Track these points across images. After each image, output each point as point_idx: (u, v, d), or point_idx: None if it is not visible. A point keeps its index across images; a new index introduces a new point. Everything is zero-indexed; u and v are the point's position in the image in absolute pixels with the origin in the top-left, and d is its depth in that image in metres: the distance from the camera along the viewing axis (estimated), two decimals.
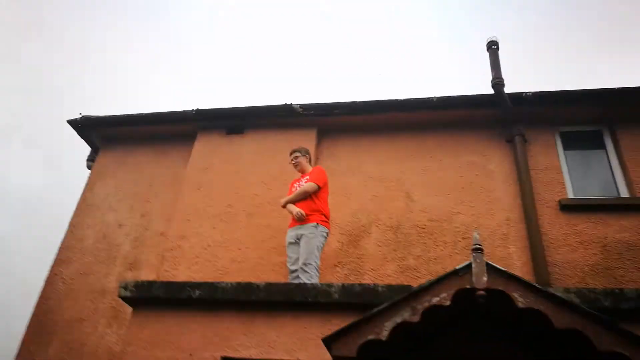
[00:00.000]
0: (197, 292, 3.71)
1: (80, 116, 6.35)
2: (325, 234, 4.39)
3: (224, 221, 5.22)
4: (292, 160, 4.82)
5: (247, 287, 3.66)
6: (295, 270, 4.21)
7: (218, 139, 5.99)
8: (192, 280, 4.43)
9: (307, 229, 4.29)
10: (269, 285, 3.65)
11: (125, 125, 6.36)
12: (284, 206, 4.52)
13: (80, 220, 5.70)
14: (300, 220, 4.31)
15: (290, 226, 4.48)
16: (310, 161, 4.88)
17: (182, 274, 4.81)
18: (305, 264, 4.12)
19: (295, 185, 4.67)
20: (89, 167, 6.46)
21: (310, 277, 4.06)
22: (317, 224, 4.33)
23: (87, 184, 6.08)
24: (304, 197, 4.43)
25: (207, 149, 5.93)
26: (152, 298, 3.76)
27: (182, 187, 5.63)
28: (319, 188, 4.48)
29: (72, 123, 6.37)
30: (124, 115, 6.38)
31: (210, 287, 3.72)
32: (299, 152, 4.82)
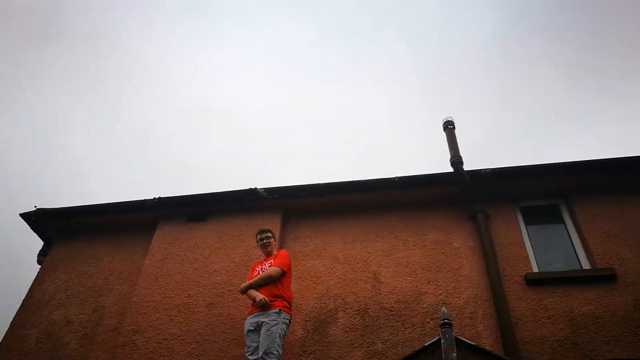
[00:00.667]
0: None
1: (34, 209, 6.15)
2: (287, 321, 4.19)
3: (182, 312, 4.93)
4: (261, 240, 4.69)
5: None
6: None
7: (179, 227, 5.85)
8: None
9: (269, 316, 4.09)
10: None
11: (83, 217, 6.17)
12: (245, 292, 4.32)
13: (23, 320, 5.27)
14: (264, 307, 4.11)
15: (250, 313, 4.26)
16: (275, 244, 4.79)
17: None
18: (266, 354, 3.86)
19: (257, 269, 4.51)
20: (39, 263, 6.12)
21: None
22: (280, 310, 4.14)
23: (36, 279, 5.72)
24: (266, 283, 4.26)
25: (167, 237, 5.76)
26: None
27: (139, 278, 5.36)
28: (284, 273, 4.34)
29: (26, 216, 6.14)
30: (81, 206, 6.21)
31: None
32: (270, 232, 4.73)
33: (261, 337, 3.99)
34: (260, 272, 4.41)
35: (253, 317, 4.18)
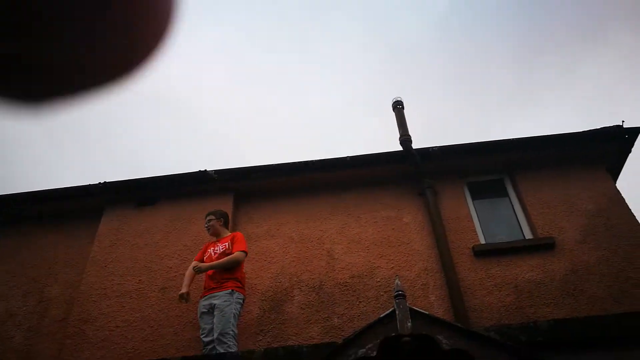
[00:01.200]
0: None
1: None
2: (241, 301, 4.19)
3: (134, 298, 4.81)
4: (205, 223, 4.68)
5: None
6: (211, 342, 3.92)
7: (127, 212, 5.66)
8: None
9: (221, 298, 4.08)
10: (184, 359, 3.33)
11: (24, 204, 5.84)
12: (203, 272, 4.26)
13: None
14: (198, 273, 4.19)
15: (203, 295, 4.24)
16: (226, 224, 4.72)
17: None
18: (222, 334, 3.85)
19: (209, 250, 4.46)
20: None
21: (229, 347, 3.79)
22: (233, 290, 4.13)
23: None
24: (231, 267, 4.23)
25: (115, 223, 5.56)
26: None
27: (86, 265, 5.17)
28: (246, 255, 4.35)
29: None
30: (23, 193, 5.88)
31: None
32: (213, 214, 4.68)
33: (215, 318, 3.97)
34: (213, 253, 4.37)
35: (205, 299, 4.16)
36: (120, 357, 4.31)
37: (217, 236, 4.60)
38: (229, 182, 5.66)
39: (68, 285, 5.15)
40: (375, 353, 2.83)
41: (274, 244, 5.27)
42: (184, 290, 4.22)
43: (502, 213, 5.45)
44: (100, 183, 5.73)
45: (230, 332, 3.88)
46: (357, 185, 5.68)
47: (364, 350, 2.85)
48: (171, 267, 5.05)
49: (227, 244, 4.43)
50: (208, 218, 4.68)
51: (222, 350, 3.75)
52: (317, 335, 4.39)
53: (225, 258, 4.25)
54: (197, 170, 5.68)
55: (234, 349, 3.78)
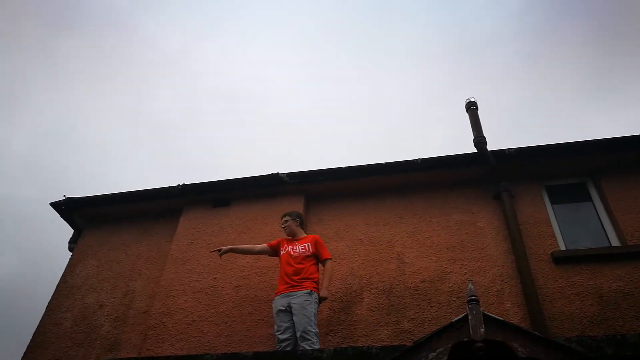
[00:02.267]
0: None
1: (63, 198, 6.30)
2: (318, 301, 4.27)
3: (209, 295, 5.02)
4: (282, 224, 4.85)
5: (233, 358, 3.44)
6: (286, 339, 4.02)
7: (204, 213, 5.93)
8: None
9: (300, 297, 4.17)
10: (256, 355, 3.44)
11: (110, 205, 6.30)
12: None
13: (59, 303, 5.45)
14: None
15: (278, 293, 4.33)
16: (301, 225, 4.86)
17: (166, 351, 4.53)
18: (305, 332, 3.96)
19: (287, 248, 4.60)
20: (70, 250, 6.29)
21: (313, 344, 3.89)
22: (311, 290, 4.23)
23: (68, 266, 5.88)
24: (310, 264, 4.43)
25: (193, 223, 5.85)
26: None
27: (166, 263, 5.47)
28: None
29: (56, 205, 6.30)
30: (108, 194, 6.34)
31: None
32: (289, 215, 4.85)
33: (297, 317, 4.06)
34: (292, 252, 4.51)
35: (282, 297, 4.25)
36: (196, 349, 4.51)
37: (293, 236, 4.73)
38: (300, 185, 5.77)
39: (150, 281, 5.47)
40: (446, 357, 2.76)
41: (343, 246, 5.30)
42: (226, 248, 4.77)
43: (585, 219, 5.12)
44: (179, 185, 6.05)
45: (312, 331, 3.98)
46: (428, 188, 5.58)
47: (435, 354, 2.79)
48: (244, 266, 5.22)
49: (307, 245, 4.54)
50: (285, 219, 4.83)
51: (307, 347, 3.84)
52: (387, 338, 4.36)
53: (328, 277, 4.42)
54: (270, 173, 5.84)
55: (317, 346, 3.86)
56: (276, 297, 4.33)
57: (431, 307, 4.53)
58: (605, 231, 4.91)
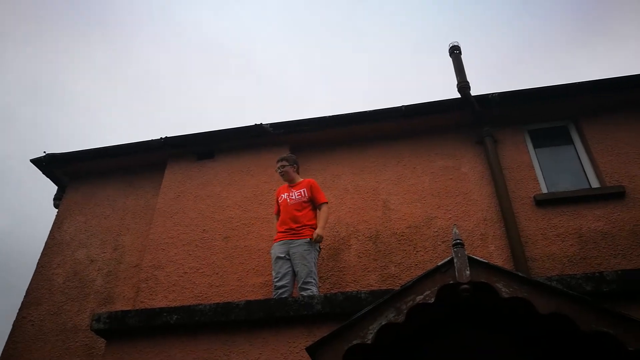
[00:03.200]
0: (174, 317, 3.56)
1: (44, 154, 6.18)
2: (319, 248, 4.32)
3: (199, 247, 5.08)
4: (278, 169, 4.69)
5: (226, 307, 3.53)
6: (283, 287, 4.06)
7: (189, 166, 5.89)
8: None
9: (301, 246, 4.16)
10: (249, 303, 3.53)
11: (93, 160, 6.20)
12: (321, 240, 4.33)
13: (49, 260, 5.47)
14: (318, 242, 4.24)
15: (278, 239, 4.31)
16: (297, 170, 4.76)
17: (159, 303, 4.62)
18: (305, 282, 4.01)
19: (283, 195, 4.53)
20: (56, 206, 6.24)
21: (312, 292, 3.94)
22: (311, 239, 4.22)
23: (55, 223, 5.86)
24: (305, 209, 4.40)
25: (178, 176, 5.82)
26: (127, 328, 3.59)
27: (154, 216, 5.48)
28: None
29: (37, 162, 6.19)
30: (90, 149, 6.23)
31: (187, 310, 3.57)
32: (286, 160, 4.68)
33: (297, 267, 4.07)
34: (288, 199, 4.43)
35: (281, 244, 4.23)
36: (189, 300, 4.61)
37: (290, 182, 4.62)
38: (284, 135, 5.73)
39: (139, 235, 5.50)
40: (432, 300, 2.87)
41: (330, 195, 5.32)
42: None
43: (567, 161, 5.22)
44: (161, 138, 5.96)
45: (313, 280, 4.02)
46: (412, 135, 5.59)
47: (422, 297, 2.89)
48: (233, 217, 5.26)
49: (302, 191, 4.47)
50: (281, 164, 4.65)
51: (308, 291, 3.91)
52: (375, 282, 4.50)
53: (323, 218, 4.34)
54: (253, 124, 5.78)
55: (316, 294, 3.89)
56: (275, 244, 4.31)
57: (417, 252, 4.66)
58: (585, 173, 5.03)
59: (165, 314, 3.57)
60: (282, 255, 4.18)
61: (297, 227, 4.27)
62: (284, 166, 4.63)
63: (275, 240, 4.37)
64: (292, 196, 4.47)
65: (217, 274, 4.82)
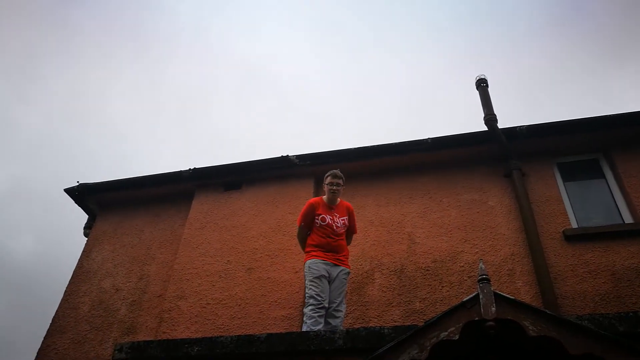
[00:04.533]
0: (196, 349, 3.54)
1: (77, 184, 6.38)
2: None
3: (222, 278, 5.09)
4: (333, 185, 4.28)
5: (247, 340, 3.49)
6: (324, 309, 3.88)
7: (215, 196, 5.98)
8: None
9: (343, 274, 4.10)
10: (270, 336, 3.48)
11: (123, 190, 6.37)
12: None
13: (76, 288, 5.56)
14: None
15: (322, 259, 4.07)
16: None
17: (181, 334, 4.62)
18: (338, 310, 3.97)
19: (327, 218, 4.19)
20: (86, 235, 6.39)
21: (341, 322, 3.95)
22: (349, 270, 4.22)
23: (84, 251, 5.99)
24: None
25: (204, 206, 5.90)
26: (149, 359, 3.59)
27: (179, 246, 5.54)
28: None
29: (70, 191, 6.38)
30: (121, 180, 6.41)
31: (208, 342, 3.55)
32: (343, 180, 4.36)
33: (337, 291, 4.00)
34: (334, 224, 4.18)
35: (326, 264, 4.04)
36: (211, 332, 4.60)
37: (332, 202, 4.32)
38: (310, 167, 5.77)
39: (164, 265, 5.56)
40: (457, 337, 2.79)
41: None
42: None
43: (598, 195, 5.08)
44: (190, 169, 6.09)
45: (344, 309, 4.03)
46: (438, 168, 5.56)
47: (446, 333, 2.82)
48: (257, 249, 5.27)
49: (345, 218, 4.30)
50: (338, 182, 4.30)
51: (338, 319, 3.85)
52: (399, 318, 4.40)
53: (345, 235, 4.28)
54: (280, 155, 5.85)
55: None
56: (319, 260, 4.04)
57: (442, 287, 4.55)
58: (618, 208, 4.87)
59: (186, 345, 3.56)
60: (327, 275, 4.01)
61: (341, 256, 4.19)
62: (340, 185, 4.32)
63: (316, 257, 4.07)
64: (337, 222, 4.22)
65: (239, 305, 4.80)
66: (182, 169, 6.12)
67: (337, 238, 4.21)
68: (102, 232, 6.17)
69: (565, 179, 5.25)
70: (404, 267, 4.81)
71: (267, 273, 5.01)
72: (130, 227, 6.14)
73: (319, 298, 3.87)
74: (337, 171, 4.40)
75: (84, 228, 6.50)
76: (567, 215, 4.82)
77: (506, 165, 5.27)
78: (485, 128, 5.41)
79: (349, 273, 4.19)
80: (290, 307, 4.60)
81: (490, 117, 5.41)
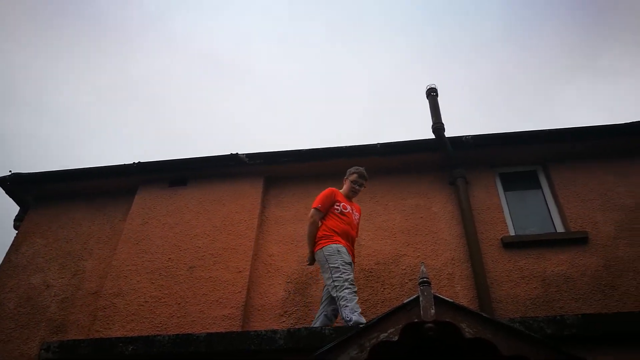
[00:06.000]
0: (130, 348, 3.42)
1: (9, 173, 6.01)
2: None
3: (163, 276, 4.94)
4: (359, 185, 4.44)
5: (186, 339, 3.41)
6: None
7: (160, 192, 5.80)
8: None
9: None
10: (210, 336, 3.42)
11: (61, 182, 6.05)
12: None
13: (2, 283, 5.21)
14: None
15: (346, 246, 4.01)
16: None
17: (115, 333, 4.42)
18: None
19: (348, 207, 4.26)
20: (16, 228, 6.02)
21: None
22: None
23: (13, 245, 5.62)
24: None
25: (148, 202, 5.71)
26: (79, 359, 3.42)
27: (119, 242, 5.33)
28: None
29: (1, 181, 6.01)
30: (59, 171, 6.10)
31: (145, 341, 3.44)
32: (366, 180, 4.50)
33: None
34: (354, 215, 4.27)
35: (349, 255, 3.98)
36: (148, 331, 4.43)
37: (351, 199, 4.44)
38: (259, 166, 5.72)
39: (101, 260, 5.33)
40: (397, 338, 2.83)
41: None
42: (309, 255, 4.19)
43: (534, 205, 5.32)
44: (134, 163, 5.88)
45: None
46: (387, 173, 5.64)
47: (386, 334, 2.85)
48: (200, 247, 5.15)
49: (359, 217, 4.41)
50: (363, 182, 4.46)
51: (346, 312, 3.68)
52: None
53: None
54: (229, 153, 5.75)
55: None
56: (343, 248, 3.96)
57: (384, 289, 4.62)
58: (551, 217, 5.13)
59: (121, 344, 3.43)
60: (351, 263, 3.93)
61: (353, 248, 4.16)
62: (363, 187, 4.50)
63: (340, 243, 3.98)
64: (355, 215, 4.31)
65: (179, 304, 4.67)
66: (126, 162, 5.91)
67: (355, 230, 4.23)
68: (35, 224, 5.83)
69: (505, 189, 5.47)
70: None
71: (210, 272, 4.90)
72: (67, 221, 5.85)
73: (353, 282, 3.79)
74: (365, 172, 4.51)
75: (15, 220, 6.11)
76: (505, 223, 5.02)
77: (451, 173, 5.43)
78: (433, 136, 5.55)
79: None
80: (232, 307, 4.52)
81: (438, 126, 5.56)
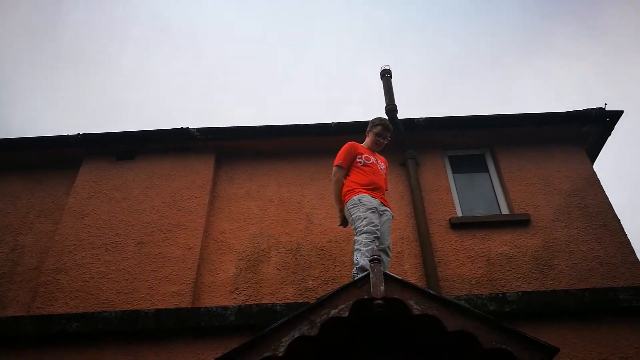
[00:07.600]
0: (74, 325, 3.31)
1: None
2: None
3: (109, 251, 4.79)
4: (383, 138, 4.25)
5: (132, 316, 3.34)
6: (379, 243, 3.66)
7: (106, 166, 5.59)
8: None
9: (388, 214, 3.91)
10: (158, 312, 3.36)
11: None
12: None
13: None
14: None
15: (375, 196, 3.86)
16: None
17: (58, 310, 4.25)
18: (389, 248, 3.84)
19: (372, 158, 4.11)
20: None
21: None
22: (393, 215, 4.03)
23: None
24: None
25: (93, 175, 5.49)
26: (19, 337, 3.28)
27: (62, 216, 5.11)
28: None
29: None
30: None
31: (89, 317, 3.34)
32: (390, 132, 4.30)
33: (386, 232, 3.82)
34: (379, 165, 4.13)
35: (376, 201, 3.85)
36: (93, 307, 4.29)
37: (374, 151, 4.28)
38: (211, 141, 5.60)
39: (43, 235, 5.10)
40: (347, 314, 2.88)
41: (254, 206, 5.27)
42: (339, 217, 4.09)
43: (481, 188, 5.53)
44: (79, 134, 5.63)
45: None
46: None
47: (337, 310, 2.90)
48: (149, 223, 5.03)
49: (385, 167, 4.26)
50: (387, 135, 4.25)
51: (389, 258, 3.74)
52: (292, 296, 4.46)
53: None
54: (180, 127, 5.60)
55: None
56: (370, 197, 3.81)
57: (336, 266, 4.68)
58: (497, 200, 5.34)
59: (63, 321, 3.32)
60: (377, 210, 3.77)
61: (384, 196, 4.00)
62: (387, 139, 4.29)
63: (369, 193, 3.84)
64: (381, 166, 4.15)
65: (126, 280, 4.55)
66: (69, 134, 5.64)
67: (383, 180, 4.09)
68: None
69: (454, 171, 5.63)
70: (300, 246, 4.88)
71: (159, 248, 4.79)
72: (4, 193, 5.54)
73: (374, 227, 3.60)
74: (390, 123, 4.33)
75: None
76: (453, 204, 5.18)
77: (403, 154, 5.53)
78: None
79: (392, 217, 3.97)
80: (182, 283, 4.46)
81: (391, 108, 5.63)
